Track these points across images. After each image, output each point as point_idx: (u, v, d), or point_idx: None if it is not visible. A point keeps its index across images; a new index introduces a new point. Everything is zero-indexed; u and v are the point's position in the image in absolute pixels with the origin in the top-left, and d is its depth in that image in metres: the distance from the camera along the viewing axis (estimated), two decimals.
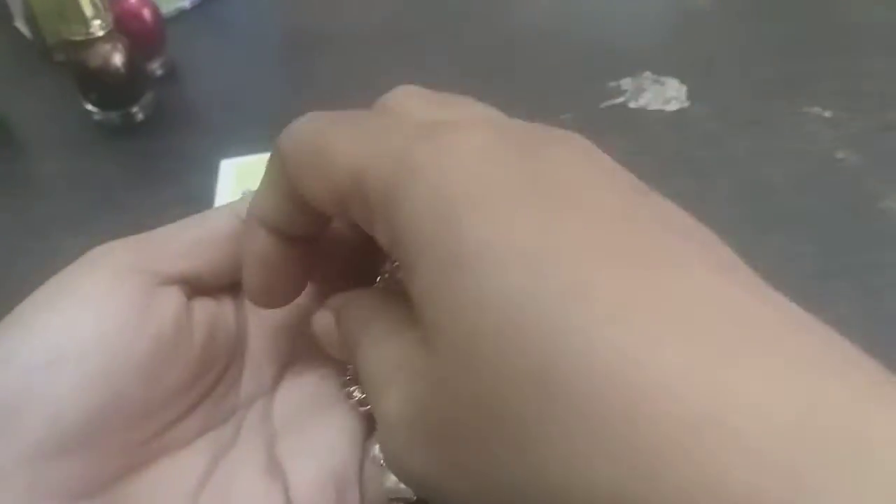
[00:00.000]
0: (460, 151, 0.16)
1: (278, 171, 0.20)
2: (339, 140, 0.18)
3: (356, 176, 0.18)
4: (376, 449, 0.23)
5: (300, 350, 0.26)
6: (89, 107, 0.47)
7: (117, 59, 0.45)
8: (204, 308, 0.23)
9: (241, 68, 0.54)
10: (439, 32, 0.57)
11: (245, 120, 0.47)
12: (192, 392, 0.23)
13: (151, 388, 0.21)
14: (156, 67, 0.52)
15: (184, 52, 0.54)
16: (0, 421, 0.19)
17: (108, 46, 0.45)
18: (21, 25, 0.56)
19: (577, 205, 0.15)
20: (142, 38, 0.49)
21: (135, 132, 0.47)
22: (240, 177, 0.43)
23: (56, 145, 0.47)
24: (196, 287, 0.23)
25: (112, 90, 0.46)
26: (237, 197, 0.38)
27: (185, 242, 0.23)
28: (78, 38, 0.44)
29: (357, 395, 0.24)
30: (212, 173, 0.43)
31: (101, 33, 0.44)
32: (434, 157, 0.16)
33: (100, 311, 0.21)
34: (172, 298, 0.22)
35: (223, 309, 0.24)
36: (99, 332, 0.20)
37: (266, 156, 0.21)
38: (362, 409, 0.24)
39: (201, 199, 0.41)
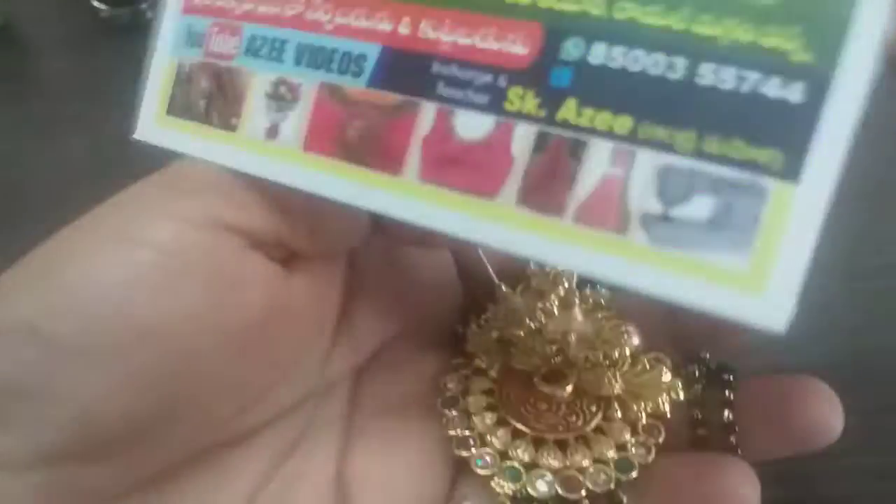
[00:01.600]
0: None
1: None
2: None
3: None
4: None
5: (407, 324, 0.22)
6: (96, 3, 0.44)
7: None
8: (305, 278, 0.18)
9: None
10: None
11: None
12: (268, 381, 0.18)
13: (219, 388, 0.17)
14: None
15: None
16: (17, 408, 0.15)
17: None
18: None
19: None
20: None
21: (144, 31, 0.45)
22: None
23: (61, 44, 0.45)
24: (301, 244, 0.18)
25: None
26: None
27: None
28: None
29: (453, 430, 0.20)
30: None
31: None
32: None
33: (167, 286, 0.15)
34: (264, 275, 0.17)
35: (330, 272, 0.19)
36: (161, 316, 0.15)
37: None
38: (457, 452, 0.20)
39: None
